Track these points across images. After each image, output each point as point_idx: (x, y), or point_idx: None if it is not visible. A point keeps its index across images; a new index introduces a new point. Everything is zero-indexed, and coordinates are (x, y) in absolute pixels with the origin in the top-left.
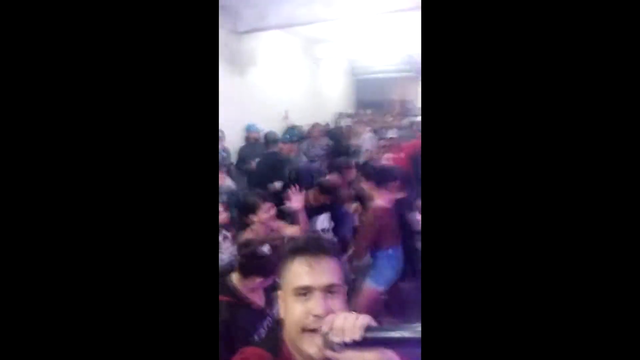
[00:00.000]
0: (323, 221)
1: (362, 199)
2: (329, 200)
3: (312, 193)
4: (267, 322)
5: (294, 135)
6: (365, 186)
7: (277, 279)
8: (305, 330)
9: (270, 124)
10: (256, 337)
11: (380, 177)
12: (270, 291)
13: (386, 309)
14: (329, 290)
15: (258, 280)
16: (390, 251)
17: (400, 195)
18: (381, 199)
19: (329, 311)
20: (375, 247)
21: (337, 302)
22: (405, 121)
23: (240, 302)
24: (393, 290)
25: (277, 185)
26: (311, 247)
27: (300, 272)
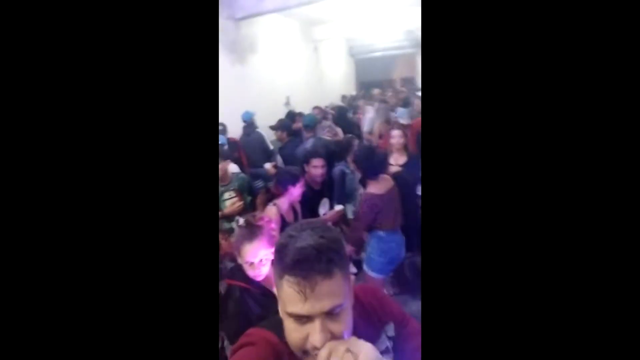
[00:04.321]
0: (324, 205)
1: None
2: (322, 166)
3: (307, 169)
4: (258, 298)
5: (313, 121)
6: (360, 174)
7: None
8: (306, 353)
9: (273, 111)
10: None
11: (369, 170)
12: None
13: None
14: (330, 314)
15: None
16: (381, 233)
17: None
18: (373, 187)
19: (330, 337)
20: (372, 232)
21: (339, 323)
22: (409, 98)
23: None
24: (397, 270)
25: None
26: (302, 265)
27: (292, 297)
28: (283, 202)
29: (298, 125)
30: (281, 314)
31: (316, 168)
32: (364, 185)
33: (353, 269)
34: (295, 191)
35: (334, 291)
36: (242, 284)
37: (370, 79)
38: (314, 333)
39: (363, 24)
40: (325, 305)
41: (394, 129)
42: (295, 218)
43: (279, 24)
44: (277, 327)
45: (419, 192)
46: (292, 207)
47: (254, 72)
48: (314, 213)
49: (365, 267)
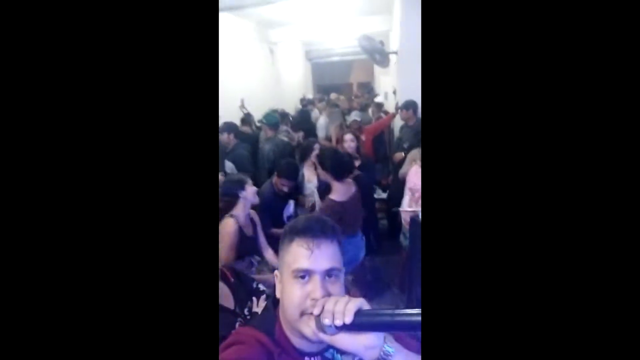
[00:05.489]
0: (288, 208)
1: (323, 188)
2: (289, 187)
3: (275, 180)
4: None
5: (273, 118)
6: (323, 176)
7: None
8: (305, 313)
9: (227, 115)
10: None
11: (336, 170)
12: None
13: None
14: (328, 274)
15: None
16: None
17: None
18: (335, 193)
19: (328, 295)
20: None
21: (336, 286)
22: (366, 103)
23: None
24: (357, 272)
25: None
26: (312, 229)
27: (299, 254)
28: (240, 214)
29: (245, 128)
30: (284, 276)
31: (284, 185)
32: (326, 190)
33: None
34: (249, 194)
35: (334, 254)
36: None
37: (327, 83)
38: (315, 288)
39: (320, 28)
40: (326, 263)
41: (347, 133)
42: (254, 229)
43: (233, 24)
44: (267, 327)
45: (376, 195)
46: (250, 218)
47: None
48: (280, 219)
49: None
